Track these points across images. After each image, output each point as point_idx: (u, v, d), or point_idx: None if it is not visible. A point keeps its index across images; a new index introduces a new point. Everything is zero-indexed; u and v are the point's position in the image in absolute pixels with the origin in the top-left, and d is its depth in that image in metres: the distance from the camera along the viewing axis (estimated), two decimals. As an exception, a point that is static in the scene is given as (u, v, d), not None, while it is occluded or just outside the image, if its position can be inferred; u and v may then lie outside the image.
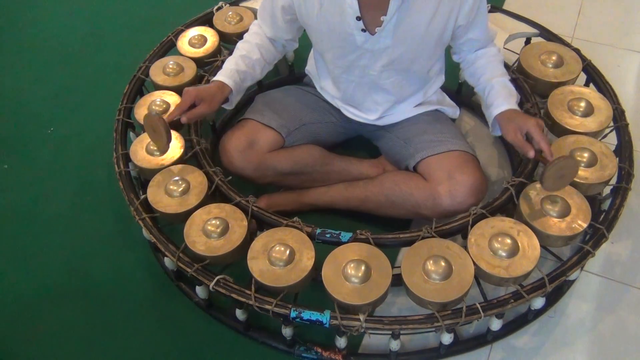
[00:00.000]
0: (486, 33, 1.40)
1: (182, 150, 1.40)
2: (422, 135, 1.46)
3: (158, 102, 1.50)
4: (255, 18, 1.54)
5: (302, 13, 1.33)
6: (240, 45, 1.47)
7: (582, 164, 1.31)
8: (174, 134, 1.44)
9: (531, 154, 1.23)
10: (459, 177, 1.34)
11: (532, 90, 1.52)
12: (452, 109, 1.56)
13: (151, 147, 1.40)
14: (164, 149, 1.36)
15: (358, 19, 1.25)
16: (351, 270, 1.15)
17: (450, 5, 1.27)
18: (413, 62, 1.36)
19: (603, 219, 1.29)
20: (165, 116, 1.36)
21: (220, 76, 1.40)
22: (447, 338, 1.24)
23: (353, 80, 1.41)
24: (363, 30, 1.27)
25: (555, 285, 1.19)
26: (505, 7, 1.94)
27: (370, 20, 1.26)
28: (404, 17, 1.25)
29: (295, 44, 1.52)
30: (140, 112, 1.49)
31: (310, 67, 1.59)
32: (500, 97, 1.34)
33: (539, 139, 1.22)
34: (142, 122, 1.48)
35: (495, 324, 1.25)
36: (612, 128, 1.46)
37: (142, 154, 1.40)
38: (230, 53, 1.69)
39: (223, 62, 1.64)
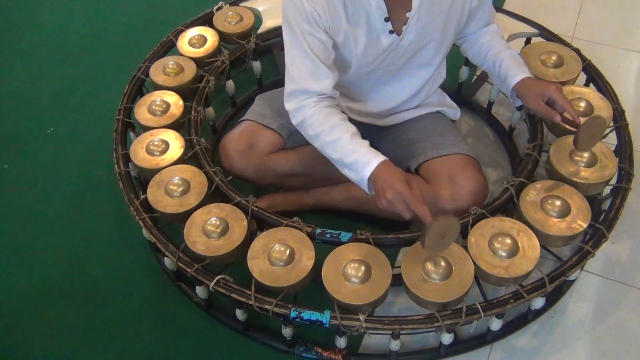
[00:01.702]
0: (491, 10, 1.41)
1: (182, 150, 1.40)
2: (423, 137, 1.45)
3: (158, 102, 1.50)
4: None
5: (334, 34, 1.23)
6: (339, 135, 1.21)
7: (582, 164, 1.31)
8: (174, 134, 1.44)
9: (557, 118, 1.24)
10: (461, 181, 1.34)
11: (532, 90, 1.52)
12: (453, 111, 1.55)
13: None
14: (442, 250, 1.17)
15: (386, 19, 1.22)
16: (351, 270, 1.15)
17: None
18: (436, 54, 1.35)
19: (603, 219, 1.29)
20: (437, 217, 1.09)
21: (377, 158, 1.16)
22: (447, 338, 1.24)
23: (371, 78, 1.38)
24: (391, 32, 1.24)
25: (555, 285, 1.19)
26: (505, 7, 1.94)
27: (397, 19, 1.23)
28: (425, 10, 1.23)
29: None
30: (141, 111, 1.49)
31: None
32: (514, 68, 1.35)
33: (563, 103, 1.24)
34: (142, 122, 1.48)
35: (495, 324, 1.25)
36: (612, 128, 1.46)
37: (142, 154, 1.40)
38: (230, 53, 1.69)
39: (223, 62, 1.65)
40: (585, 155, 1.32)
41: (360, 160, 1.17)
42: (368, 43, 1.25)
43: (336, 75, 1.26)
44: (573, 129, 1.26)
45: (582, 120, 1.24)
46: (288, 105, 1.27)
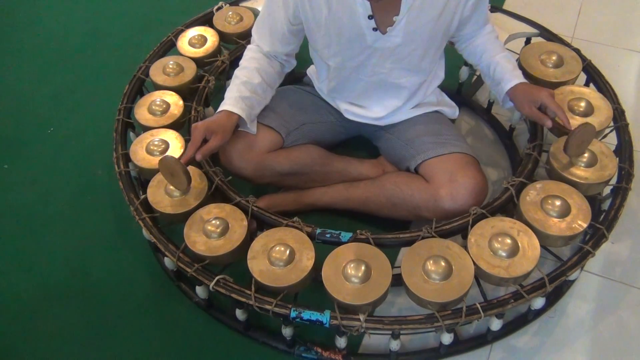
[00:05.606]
0: (485, 16, 1.41)
1: (182, 150, 1.40)
2: (422, 136, 1.46)
3: (158, 102, 1.50)
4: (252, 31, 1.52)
5: (309, 19, 1.31)
6: (238, 72, 1.39)
7: (582, 164, 1.31)
8: (174, 134, 1.44)
9: (548, 123, 1.30)
10: (461, 180, 1.34)
11: (532, 90, 1.52)
12: (451, 110, 1.56)
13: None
14: (185, 190, 1.29)
15: (370, 17, 1.25)
16: (351, 270, 1.15)
17: (457, 0, 1.28)
18: (423, 59, 1.36)
19: (603, 219, 1.29)
20: (181, 158, 1.25)
21: (225, 106, 1.32)
22: (447, 338, 1.24)
23: (362, 79, 1.40)
24: (374, 29, 1.27)
25: (555, 285, 1.19)
26: (505, 7, 1.94)
27: (382, 19, 1.26)
28: (414, 16, 1.25)
29: (294, 62, 1.48)
30: (141, 112, 1.49)
31: (312, 71, 1.59)
32: (508, 72, 1.38)
33: (555, 108, 1.29)
34: (142, 122, 1.48)
35: (495, 324, 1.25)
36: (612, 128, 1.46)
37: (142, 154, 1.40)
38: (230, 53, 1.70)
39: (223, 62, 1.65)
40: (585, 155, 1.32)
41: (223, 102, 1.34)
42: (351, 36, 1.29)
43: (276, 48, 1.40)
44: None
45: (573, 124, 1.28)
46: (253, 36, 1.44)
